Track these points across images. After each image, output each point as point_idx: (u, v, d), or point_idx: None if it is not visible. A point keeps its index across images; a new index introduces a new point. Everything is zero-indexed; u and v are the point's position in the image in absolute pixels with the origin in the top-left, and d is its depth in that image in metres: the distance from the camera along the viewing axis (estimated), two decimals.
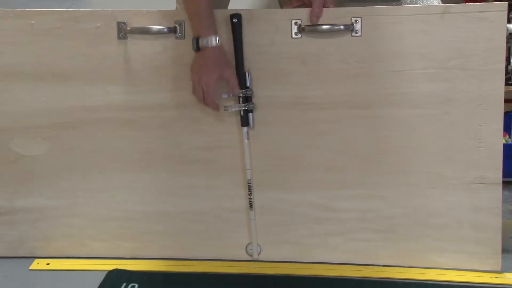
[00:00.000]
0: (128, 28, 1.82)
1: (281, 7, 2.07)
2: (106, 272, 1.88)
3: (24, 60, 1.86)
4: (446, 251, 1.83)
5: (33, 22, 1.84)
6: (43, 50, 1.85)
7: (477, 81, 1.74)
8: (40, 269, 1.93)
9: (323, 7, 1.75)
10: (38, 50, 1.85)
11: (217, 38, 1.72)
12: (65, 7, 4.08)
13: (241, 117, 1.81)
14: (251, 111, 1.80)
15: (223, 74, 1.75)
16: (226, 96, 1.78)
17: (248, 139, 1.83)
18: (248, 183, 1.85)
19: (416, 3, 3.46)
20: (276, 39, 1.78)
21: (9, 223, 1.96)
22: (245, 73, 1.78)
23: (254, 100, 1.81)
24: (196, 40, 1.72)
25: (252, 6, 1.69)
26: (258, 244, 1.90)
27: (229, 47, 1.78)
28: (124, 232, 1.94)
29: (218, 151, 1.87)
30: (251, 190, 1.85)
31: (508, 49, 1.98)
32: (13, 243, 1.96)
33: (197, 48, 1.72)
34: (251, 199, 1.86)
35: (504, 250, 1.82)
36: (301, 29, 1.77)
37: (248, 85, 1.79)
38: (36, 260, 1.96)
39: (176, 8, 1.97)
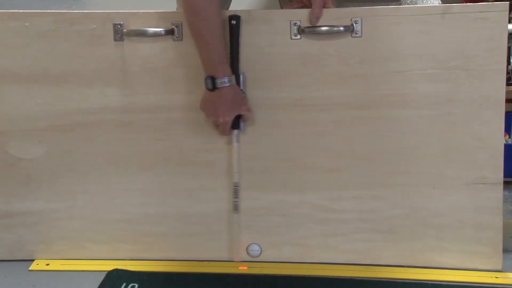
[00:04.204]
0: (124, 30, 1.79)
1: (281, 7, 2.05)
2: (106, 273, 1.87)
3: (20, 62, 1.84)
4: (447, 251, 1.83)
5: (27, 24, 1.81)
6: (38, 52, 1.83)
7: (478, 82, 1.73)
8: (39, 270, 1.92)
9: (323, 7, 1.73)
10: (34, 53, 1.83)
11: (233, 78, 1.72)
12: (65, 7, 4.04)
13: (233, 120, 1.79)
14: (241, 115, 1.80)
15: (240, 112, 1.77)
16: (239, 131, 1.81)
17: (237, 142, 1.82)
18: (234, 186, 1.84)
19: (416, 3, 3.43)
20: (275, 40, 1.76)
21: (8, 227, 1.94)
22: (239, 75, 1.76)
23: (253, 101, 1.80)
24: (212, 79, 1.70)
25: (252, 7, 1.66)
26: (257, 244, 1.90)
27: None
28: (124, 235, 1.93)
29: (217, 153, 1.86)
30: (237, 193, 1.84)
31: (508, 49, 1.96)
32: (12, 247, 1.95)
33: (213, 88, 1.71)
34: (236, 202, 1.85)
35: (505, 250, 1.82)
36: (300, 30, 1.75)
37: (241, 88, 1.77)
38: (36, 261, 1.95)
39: (176, 9, 1.94)
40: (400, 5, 2.56)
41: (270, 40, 1.76)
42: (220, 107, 1.74)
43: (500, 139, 1.76)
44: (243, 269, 1.88)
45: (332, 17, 1.73)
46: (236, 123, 1.79)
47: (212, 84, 1.71)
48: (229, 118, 1.76)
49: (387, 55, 1.74)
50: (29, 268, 1.93)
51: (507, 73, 1.93)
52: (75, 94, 1.85)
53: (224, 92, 1.72)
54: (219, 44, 1.69)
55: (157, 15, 1.79)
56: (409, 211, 1.83)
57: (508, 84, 1.87)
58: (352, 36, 1.74)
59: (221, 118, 1.75)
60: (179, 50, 1.79)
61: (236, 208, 1.85)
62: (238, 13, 1.74)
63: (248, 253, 1.90)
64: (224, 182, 1.87)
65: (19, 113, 1.87)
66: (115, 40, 1.81)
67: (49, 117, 1.87)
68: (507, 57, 1.83)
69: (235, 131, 1.80)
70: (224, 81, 1.71)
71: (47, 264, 1.94)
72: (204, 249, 1.92)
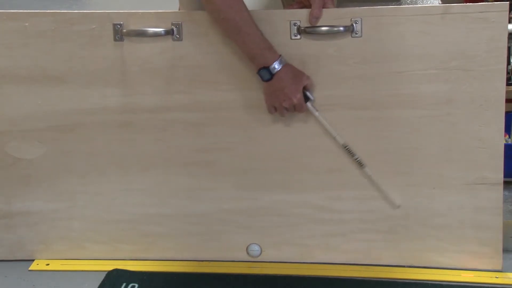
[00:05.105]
0: (124, 30, 1.79)
1: (284, 7, 2.05)
2: (106, 273, 1.88)
3: (19, 63, 1.84)
4: (448, 251, 1.84)
5: (27, 24, 1.81)
6: (38, 52, 1.82)
7: (478, 82, 1.73)
8: (39, 270, 1.93)
9: (323, 8, 1.73)
10: (33, 53, 1.82)
11: (283, 57, 1.71)
12: (65, 7, 4.02)
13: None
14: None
15: (304, 83, 1.74)
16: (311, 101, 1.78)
17: (317, 110, 1.78)
18: (345, 147, 1.80)
19: (416, 3, 3.42)
20: (275, 40, 1.74)
21: (8, 227, 1.95)
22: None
23: (253, 102, 1.80)
24: (267, 70, 1.69)
25: (252, 7, 1.65)
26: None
27: None
28: (124, 235, 1.93)
29: (217, 153, 1.86)
30: (352, 151, 1.81)
31: (508, 49, 1.96)
32: (12, 247, 1.96)
33: (271, 77, 1.70)
34: (357, 158, 1.81)
35: (505, 250, 1.83)
36: (300, 31, 1.74)
37: None
38: (36, 261, 1.96)
39: (179, 9, 1.93)
40: (400, 5, 2.56)
41: (270, 40, 1.74)
42: (287, 89, 1.72)
43: (500, 139, 1.76)
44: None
45: (332, 17, 1.73)
46: (304, 95, 1.76)
47: (269, 73, 1.70)
48: (301, 94, 1.73)
49: (387, 55, 1.74)
50: (29, 268, 1.93)
51: (507, 73, 1.93)
52: (75, 95, 1.85)
53: (283, 74, 1.70)
54: (258, 31, 1.69)
55: (156, 15, 1.78)
56: (409, 211, 1.83)
57: (508, 84, 1.87)
58: (352, 36, 1.74)
59: (294, 98, 1.73)
60: (179, 50, 1.78)
61: (361, 163, 1.82)
62: None
63: (248, 253, 1.91)
64: (224, 182, 1.88)
65: (19, 113, 1.87)
66: (115, 40, 1.80)
67: (49, 117, 1.87)
68: (507, 57, 1.83)
69: (308, 104, 1.77)
70: (277, 65, 1.69)
71: (47, 264, 1.95)
72: (204, 249, 1.92)
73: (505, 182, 1.81)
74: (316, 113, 1.79)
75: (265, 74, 1.70)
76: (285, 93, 1.72)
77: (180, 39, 1.78)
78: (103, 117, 1.85)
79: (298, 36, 1.75)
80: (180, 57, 1.79)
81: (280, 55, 1.70)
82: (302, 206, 1.86)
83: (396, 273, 1.84)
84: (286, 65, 1.71)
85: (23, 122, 1.87)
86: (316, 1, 1.72)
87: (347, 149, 1.81)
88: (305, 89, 1.75)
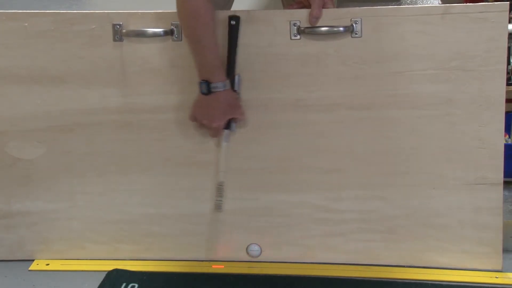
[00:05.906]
0: (123, 30, 1.79)
1: (284, 7, 2.05)
2: (106, 273, 1.88)
3: (19, 63, 1.84)
4: (448, 251, 1.84)
5: (26, 24, 1.81)
6: (37, 52, 1.82)
7: (478, 82, 1.72)
8: (39, 270, 1.93)
9: (323, 8, 1.73)
10: (33, 53, 1.82)
11: (228, 83, 1.72)
12: (64, 7, 4.00)
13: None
14: None
15: (234, 115, 1.77)
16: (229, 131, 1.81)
17: (227, 141, 1.82)
18: (219, 185, 1.84)
19: (416, 3, 3.42)
20: (275, 40, 1.75)
21: (8, 227, 1.95)
22: (235, 77, 1.76)
23: (253, 102, 1.80)
24: (207, 84, 1.71)
25: (252, 7, 1.65)
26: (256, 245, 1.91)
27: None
28: (124, 235, 1.93)
29: (217, 153, 1.85)
30: (221, 193, 1.84)
31: (508, 49, 1.96)
32: (12, 247, 1.96)
33: (208, 92, 1.71)
34: (220, 201, 1.85)
35: (505, 250, 1.82)
36: (300, 31, 1.74)
37: (236, 89, 1.77)
38: (36, 261, 1.96)
39: None
40: (400, 5, 2.55)
41: (269, 41, 1.76)
42: (215, 111, 1.75)
43: (500, 139, 1.76)
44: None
45: (331, 17, 1.73)
46: (227, 123, 1.79)
47: (207, 88, 1.71)
48: (223, 122, 1.77)
49: (387, 56, 1.74)
50: (29, 268, 1.93)
51: (507, 73, 1.93)
52: (74, 95, 1.85)
53: (219, 97, 1.73)
54: (215, 48, 1.70)
55: (156, 16, 1.78)
56: (409, 211, 1.83)
57: (508, 84, 1.87)
58: (352, 37, 1.74)
59: (215, 123, 1.76)
60: (178, 51, 1.78)
61: (219, 207, 1.85)
62: (238, 13, 1.74)
63: (248, 253, 1.91)
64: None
65: (18, 113, 1.87)
66: (114, 40, 1.80)
67: (48, 117, 1.87)
68: (507, 57, 1.83)
69: (226, 131, 1.80)
70: (219, 86, 1.71)
71: (47, 264, 1.95)
72: (204, 249, 1.92)
73: (505, 182, 1.80)
74: (224, 143, 1.81)
75: (204, 87, 1.72)
76: (211, 114, 1.75)
77: (179, 39, 1.78)
78: (103, 117, 1.85)
79: (298, 36, 1.75)
80: (180, 57, 1.79)
81: (226, 80, 1.72)
82: (302, 206, 1.86)
83: (396, 273, 1.83)
84: (227, 91, 1.73)
85: (22, 122, 1.87)
86: (316, 1, 1.72)
87: (220, 188, 1.83)
88: (233, 120, 1.78)
